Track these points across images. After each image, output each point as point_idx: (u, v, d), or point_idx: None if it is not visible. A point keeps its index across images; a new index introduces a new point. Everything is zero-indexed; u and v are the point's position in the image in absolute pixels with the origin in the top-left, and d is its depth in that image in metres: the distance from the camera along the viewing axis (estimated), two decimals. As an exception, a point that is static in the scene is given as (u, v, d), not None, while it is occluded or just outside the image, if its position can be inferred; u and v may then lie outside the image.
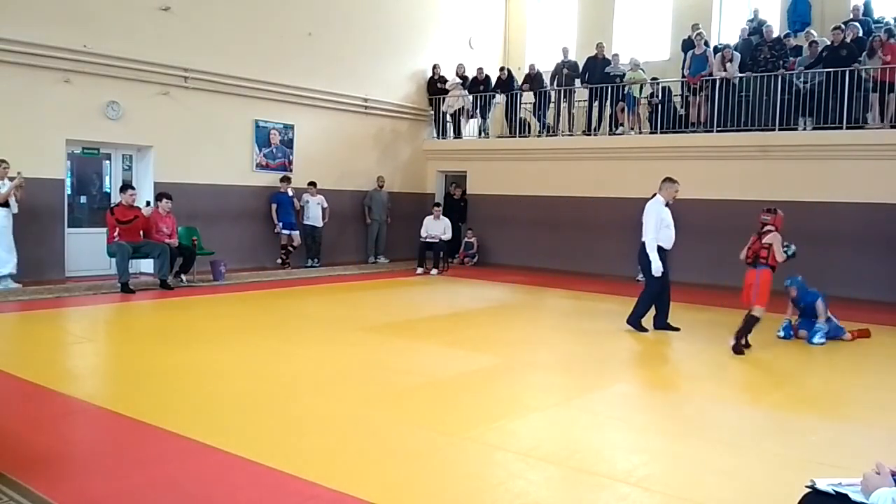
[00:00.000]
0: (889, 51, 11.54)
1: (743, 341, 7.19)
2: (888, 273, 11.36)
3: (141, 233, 10.53)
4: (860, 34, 12.30)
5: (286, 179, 13.65)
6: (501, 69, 16.60)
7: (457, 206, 16.28)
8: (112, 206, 10.74)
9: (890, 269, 11.36)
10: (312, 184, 14.00)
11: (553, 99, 15.75)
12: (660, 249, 8.22)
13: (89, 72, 11.08)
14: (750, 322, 7.15)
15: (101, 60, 11.13)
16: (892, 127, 11.56)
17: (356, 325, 8.29)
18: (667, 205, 8.35)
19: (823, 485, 2.30)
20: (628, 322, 8.42)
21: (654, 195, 8.53)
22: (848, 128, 11.78)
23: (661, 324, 8.47)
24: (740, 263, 7.63)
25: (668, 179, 8.44)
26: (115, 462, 3.95)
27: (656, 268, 8.16)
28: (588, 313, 9.89)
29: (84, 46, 10.92)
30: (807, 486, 2.36)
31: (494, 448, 4.33)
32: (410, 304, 10.48)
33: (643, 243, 8.29)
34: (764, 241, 7.23)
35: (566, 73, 15.57)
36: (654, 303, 8.44)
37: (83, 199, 12.35)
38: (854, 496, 2.18)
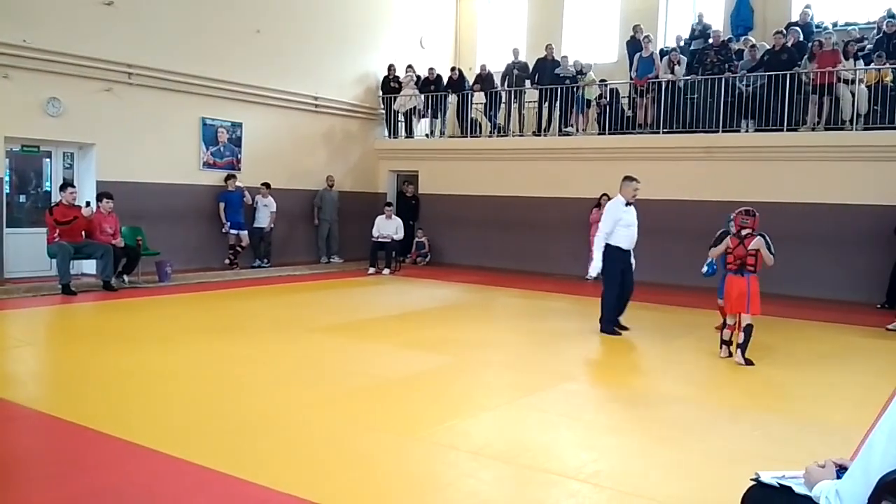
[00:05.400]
0: (823, 57, 11.91)
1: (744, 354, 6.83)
2: (830, 271, 11.72)
3: (83, 233, 10.26)
4: (800, 38, 12.66)
5: (231, 177, 13.46)
6: (453, 69, 16.62)
7: (409, 205, 16.26)
8: (52, 205, 10.43)
9: (830, 266, 11.72)
10: (266, 185, 13.86)
11: (504, 99, 15.85)
12: (618, 249, 8.12)
13: (29, 67, 10.74)
14: (749, 333, 6.78)
15: (41, 55, 10.80)
16: (826, 129, 11.94)
17: (306, 326, 8.22)
18: (628, 204, 8.18)
19: (768, 477, 2.35)
20: (602, 330, 8.18)
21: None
22: (788, 130, 12.13)
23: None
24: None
25: (626, 178, 8.27)
26: (58, 469, 3.84)
27: (594, 267, 8.15)
28: (539, 312, 9.97)
29: (24, 41, 10.58)
30: (752, 479, 2.41)
31: (446, 448, 4.33)
32: (362, 304, 10.43)
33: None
34: (749, 247, 6.76)
35: (516, 73, 15.69)
36: (616, 302, 8.22)
37: (22, 199, 11.97)
38: (797, 489, 2.22)
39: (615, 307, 8.25)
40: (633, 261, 8.42)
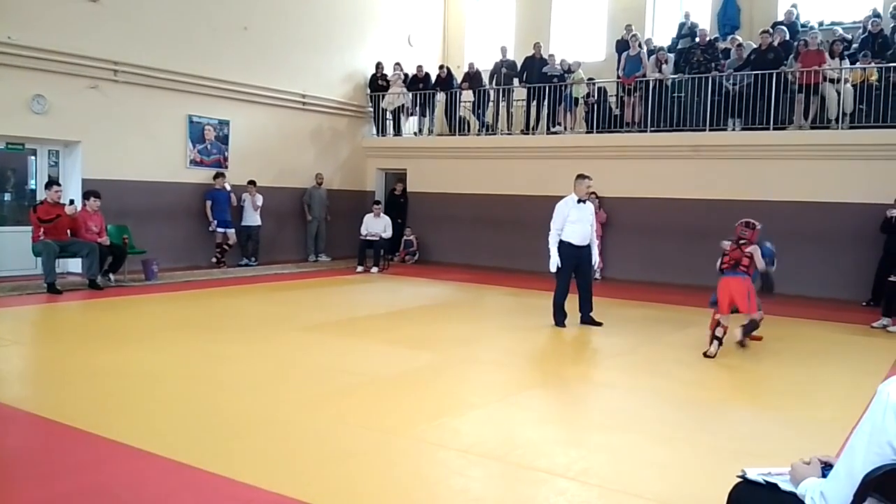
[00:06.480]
0: (807, 57, 11.97)
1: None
2: (816, 269, 11.77)
3: (68, 231, 10.17)
4: (787, 38, 12.73)
5: (220, 175, 13.39)
6: (441, 67, 16.61)
7: (397, 203, 16.24)
8: (36, 203, 10.35)
9: (817, 264, 11.78)
10: (252, 182, 13.80)
11: (492, 98, 15.85)
12: (569, 245, 8.39)
13: (14, 64, 10.64)
14: (750, 324, 7.21)
15: (26, 52, 10.70)
16: (812, 128, 12.01)
17: (294, 324, 8.19)
18: (581, 201, 8.47)
19: (754, 474, 2.35)
20: (555, 323, 8.59)
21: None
22: (774, 128, 12.19)
23: (584, 319, 8.62)
24: (717, 271, 7.59)
25: (579, 176, 8.59)
26: (43, 469, 3.80)
27: (552, 262, 8.39)
28: (527, 310, 9.98)
29: (8, 38, 10.48)
30: (738, 476, 2.42)
31: (435, 446, 4.33)
32: (350, 302, 10.41)
33: None
34: (746, 250, 7.31)
35: (505, 72, 15.69)
36: (562, 298, 8.52)
37: (7, 197, 11.87)
38: (783, 485, 2.23)
39: (563, 300, 8.53)
40: (596, 258, 8.80)
